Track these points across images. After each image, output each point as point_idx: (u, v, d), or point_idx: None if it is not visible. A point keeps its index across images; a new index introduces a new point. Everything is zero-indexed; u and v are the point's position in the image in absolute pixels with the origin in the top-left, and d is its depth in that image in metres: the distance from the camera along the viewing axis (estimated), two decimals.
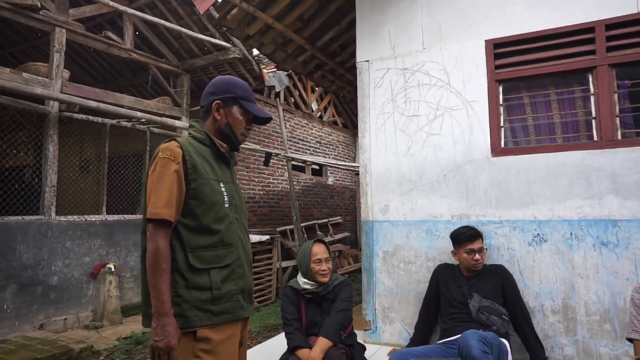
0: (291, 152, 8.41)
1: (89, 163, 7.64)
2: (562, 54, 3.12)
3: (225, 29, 4.39)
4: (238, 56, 6.33)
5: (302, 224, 8.79)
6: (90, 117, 5.63)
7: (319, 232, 9.36)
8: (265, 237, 6.71)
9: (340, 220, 10.73)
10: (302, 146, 9.80)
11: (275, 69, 7.30)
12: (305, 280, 2.75)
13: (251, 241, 6.40)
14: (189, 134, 1.82)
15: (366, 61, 3.81)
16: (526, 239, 3.14)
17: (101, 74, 7.95)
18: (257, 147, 7.68)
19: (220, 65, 6.74)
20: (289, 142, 9.16)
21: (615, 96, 2.98)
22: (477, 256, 2.93)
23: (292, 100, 9.76)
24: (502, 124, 3.30)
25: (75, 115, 5.45)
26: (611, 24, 2.99)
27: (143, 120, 5.99)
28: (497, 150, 3.27)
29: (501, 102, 3.32)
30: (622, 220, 2.88)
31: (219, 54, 6.49)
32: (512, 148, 3.28)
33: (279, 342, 3.55)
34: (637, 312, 2.09)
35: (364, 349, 2.92)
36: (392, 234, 3.59)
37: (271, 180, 8.71)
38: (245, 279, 1.77)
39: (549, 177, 3.09)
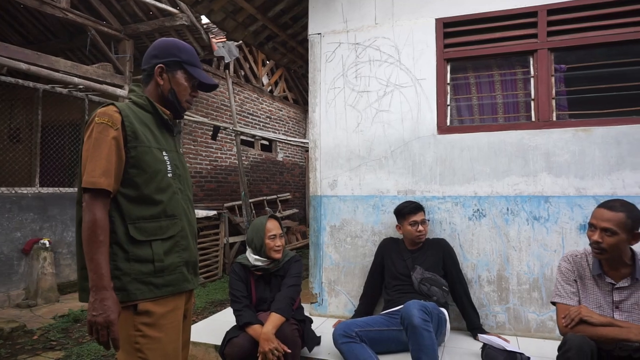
0: (240, 127, 8.23)
1: (20, 131, 7.08)
2: (507, 36, 3.22)
3: None
4: (186, 23, 6.04)
5: (251, 200, 8.70)
6: (20, 81, 5.18)
7: (267, 209, 9.33)
8: (212, 213, 6.59)
9: (290, 197, 10.73)
10: (251, 121, 9.62)
11: (225, 39, 7.05)
12: (257, 256, 2.71)
13: (198, 216, 6.26)
14: (129, 99, 1.72)
15: (318, 34, 3.76)
16: (467, 213, 3.28)
17: (33, 34, 7.32)
18: (205, 120, 7.45)
19: (167, 31, 6.41)
20: (238, 117, 8.96)
21: (553, 79, 3.13)
22: (420, 227, 3.03)
23: (242, 73, 9.51)
24: (448, 103, 3.39)
25: (2, 78, 5.00)
26: (553, 9, 3.11)
27: (81, 87, 5.61)
28: (442, 128, 3.36)
29: (448, 81, 3.40)
30: (552, 196, 3.07)
31: (165, 19, 6.15)
32: (457, 126, 3.38)
33: (225, 317, 3.53)
34: (562, 279, 2.25)
35: (311, 322, 2.96)
36: (340, 208, 3.63)
37: (219, 155, 8.51)
38: (189, 251, 1.73)
39: (490, 155, 3.23)
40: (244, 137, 8.46)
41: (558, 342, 2.09)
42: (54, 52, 6.49)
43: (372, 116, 3.55)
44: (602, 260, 2.14)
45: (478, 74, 3.40)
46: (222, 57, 6.80)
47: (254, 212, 8.67)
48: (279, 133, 10.68)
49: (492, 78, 3.38)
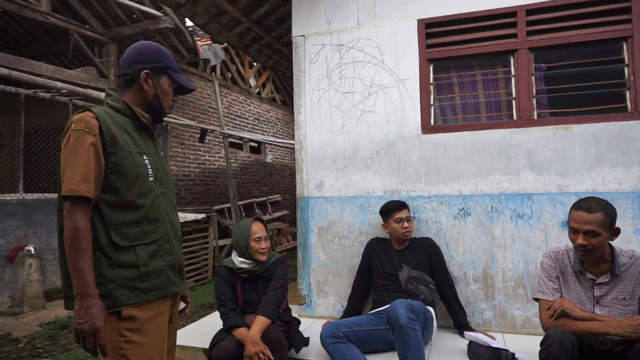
0: (228, 129, 8.20)
1: (2, 137, 6.99)
2: (488, 35, 3.26)
3: None
4: (170, 26, 6.01)
5: (240, 203, 8.68)
6: (1, 86, 5.11)
7: (257, 211, 9.30)
8: (201, 216, 6.56)
9: (279, 199, 10.72)
10: (239, 123, 9.60)
11: (210, 42, 7.02)
12: (242, 259, 2.71)
13: (186, 219, 6.23)
14: (106, 103, 1.71)
15: (302, 36, 3.76)
16: (452, 212, 3.31)
17: (14, 38, 7.22)
18: (192, 123, 7.42)
19: (151, 35, 6.37)
20: (226, 119, 8.93)
21: (533, 78, 3.18)
22: (406, 224, 3.06)
23: (229, 75, 9.48)
24: (432, 103, 3.42)
25: None
26: (531, 9, 3.16)
27: (64, 91, 5.54)
28: (427, 128, 3.38)
29: (431, 81, 3.42)
30: (535, 193, 3.12)
31: (149, 22, 6.12)
32: (441, 126, 3.41)
33: (215, 320, 3.51)
34: (544, 275, 2.29)
35: (298, 323, 2.97)
36: (327, 209, 3.64)
37: (207, 158, 8.48)
38: (174, 254, 1.73)
39: (474, 154, 3.26)
40: (232, 140, 8.44)
41: None
42: (36, 56, 6.41)
43: (357, 117, 3.56)
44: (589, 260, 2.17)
45: (460, 73, 3.44)
46: (208, 60, 6.77)
47: (243, 214, 8.64)
48: (268, 135, 10.67)
49: (474, 78, 3.42)
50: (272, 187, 10.77)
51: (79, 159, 1.49)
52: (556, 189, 3.07)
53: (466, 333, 2.83)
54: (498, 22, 3.24)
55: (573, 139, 3.05)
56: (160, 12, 5.91)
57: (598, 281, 2.15)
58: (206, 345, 2.77)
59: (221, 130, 7.24)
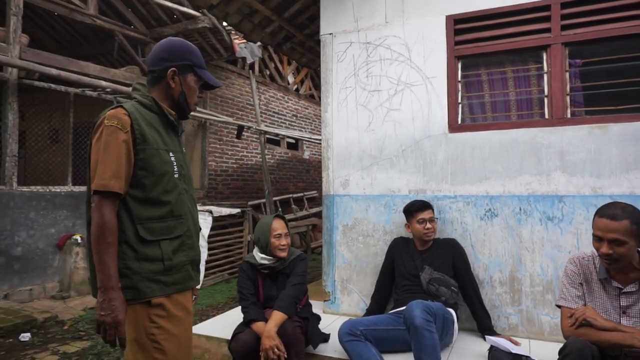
0: (266, 126, 8.35)
1: (58, 133, 7.47)
2: (519, 31, 3.14)
3: None
4: (208, 26, 6.19)
5: (277, 198, 8.83)
6: (53, 86, 5.46)
7: (294, 206, 9.42)
8: (236, 210, 6.73)
9: (316, 195, 10.80)
10: (277, 119, 9.74)
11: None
12: (263, 255, 2.77)
13: (222, 214, 6.41)
14: (134, 98, 1.74)
15: (330, 34, 3.78)
16: (478, 213, 3.23)
17: (67, 39, 7.68)
18: (230, 119, 7.60)
19: (190, 34, 6.58)
20: (264, 115, 9.09)
21: (567, 75, 3.03)
22: (429, 225, 3.01)
23: (268, 72, 9.62)
24: (459, 101, 3.34)
25: (36, 83, 5.29)
26: (566, 2, 3.01)
27: (109, 89, 5.85)
28: (454, 127, 3.31)
29: (459, 78, 3.34)
30: (567, 196, 2.98)
31: (189, 22, 6.32)
32: (468, 125, 3.33)
33: (240, 312, 3.62)
34: (567, 282, 2.20)
35: (318, 319, 3.01)
36: (352, 207, 3.65)
37: (245, 154, 8.67)
38: (194, 250, 1.78)
39: (502, 153, 3.16)
40: (270, 136, 8.58)
41: None
42: (85, 56, 6.79)
43: (383, 115, 3.54)
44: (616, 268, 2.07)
45: (490, 70, 3.34)
46: (245, 58, 6.91)
47: (280, 209, 8.79)
48: (305, 131, 10.76)
49: (504, 75, 3.31)
50: (309, 183, 10.86)
51: (111, 155, 1.52)
52: (590, 191, 2.93)
53: (487, 337, 2.76)
54: (530, 17, 3.11)
55: (609, 139, 2.89)
56: (199, 12, 6.09)
57: (625, 290, 2.04)
58: (230, 337, 2.86)
59: (257, 127, 7.38)
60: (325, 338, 2.92)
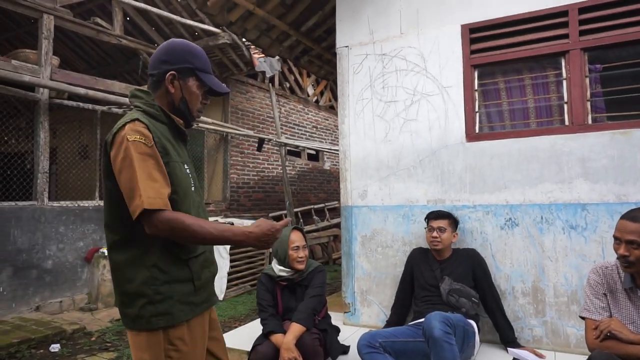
0: (286, 137, 8.44)
1: (87, 149, 7.73)
2: (536, 38, 3.11)
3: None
4: (228, 41, 6.35)
5: (298, 209, 8.88)
6: (81, 104, 5.69)
7: (315, 217, 9.45)
8: None
9: (337, 205, 10.79)
10: (297, 131, 9.83)
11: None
12: (281, 267, 2.80)
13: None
14: (136, 106, 1.58)
15: (345, 47, 3.82)
16: (498, 223, 3.18)
17: (94, 59, 7.99)
18: (251, 132, 7.73)
19: (211, 50, 6.75)
20: (285, 127, 9.19)
21: (587, 80, 2.98)
22: (435, 234, 2.99)
23: (287, 85, 9.75)
24: (476, 109, 3.32)
25: (66, 102, 5.52)
26: (584, 7, 2.97)
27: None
28: (471, 136, 3.29)
29: (476, 87, 3.33)
30: (590, 204, 2.91)
31: (209, 39, 6.50)
32: (486, 133, 3.30)
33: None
34: (590, 292, 2.15)
35: (338, 331, 3.01)
36: (370, 218, 3.65)
37: (266, 166, 8.77)
38: (215, 265, 1.72)
39: (521, 161, 3.12)
40: (290, 148, 8.67)
41: None
42: (112, 75, 7.05)
43: (400, 126, 3.55)
44: (633, 273, 2.02)
45: (507, 78, 3.31)
46: (264, 72, 7.03)
47: (301, 220, 8.83)
48: (326, 142, 10.81)
49: (522, 82, 3.27)
50: (330, 194, 10.88)
51: (147, 171, 1.41)
52: (614, 199, 2.85)
53: (510, 350, 2.71)
54: (547, 23, 3.08)
55: (633, 144, 2.82)
56: (220, 28, 6.25)
57: None
58: (250, 349, 2.89)
59: (278, 139, 7.48)
60: (344, 350, 2.91)
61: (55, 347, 4.09)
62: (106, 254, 5.64)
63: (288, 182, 7.48)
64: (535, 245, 3.07)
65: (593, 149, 2.91)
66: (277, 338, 2.56)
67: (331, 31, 4.99)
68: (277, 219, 8.41)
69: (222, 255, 5.79)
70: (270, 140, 7.61)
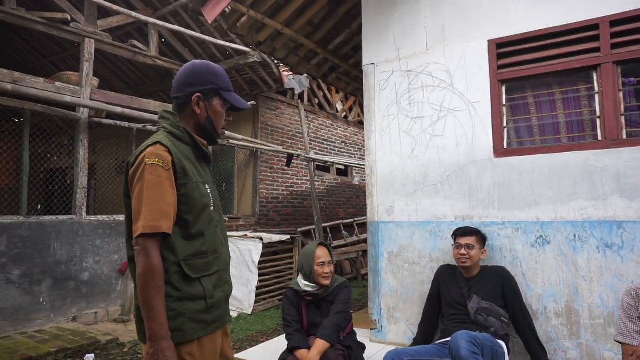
0: (315, 153, 8.51)
1: (123, 165, 8.03)
2: (566, 52, 3.06)
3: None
4: (258, 60, 6.51)
5: (327, 224, 8.89)
6: (118, 122, 5.95)
7: (344, 232, 9.43)
8: (285, 237, 6.85)
9: (366, 220, 10.74)
10: (326, 146, 9.89)
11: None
12: (307, 282, 2.82)
13: (272, 240, 6.56)
14: (163, 127, 1.65)
15: (372, 64, 3.86)
16: (529, 240, 3.10)
17: (132, 79, 8.35)
18: (280, 148, 7.84)
19: (242, 69, 6.94)
20: (314, 143, 9.28)
21: (621, 94, 2.90)
22: (463, 251, 2.94)
23: (316, 101, 9.87)
24: (505, 125, 3.27)
25: (104, 121, 5.78)
26: (616, 20, 2.91)
27: None
28: (499, 151, 3.24)
29: (504, 102, 3.29)
30: (627, 221, 2.80)
31: (240, 58, 6.68)
32: (515, 149, 3.24)
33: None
34: (625, 316, 2.06)
35: (363, 348, 2.98)
36: (397, 234, 3.62)
37: (295, 181, 8.85)
38: (229, 285, 1.74)
39: (552, 177, 3.04)
40: (319, 163, 8.73)
41: None
42: (148, 93, 7.35)
43: (427, 141, 3.53)
44: None
45: (536, 93, 3.25)
46: (294, 89, 7.17)
47: (330, 235, 8.83)
48: (355, 157, 10.83)
49: (552, 97, 3.21)
50: (359, 209, 10.85)
51: (157, 194, 1.47)
52: None
53: None
54: (577, 37, 3.02)
55: None
56: (250, 47, 6.43)
57: None
58: None
59: (306, 155, 7.55)
60: None
61: (89, 357, 4.22)
62: None
63: (317, 197, 7.52)
64: (568, 264, 2.97)
65: (628, 164, 2.81)
66: (301, 354, 2.56)
67: (358, 48, 5.06)
68: (307, 233, 8.44)
69: (250, 269, 5.85)
70: (299, 155, 7.70)
